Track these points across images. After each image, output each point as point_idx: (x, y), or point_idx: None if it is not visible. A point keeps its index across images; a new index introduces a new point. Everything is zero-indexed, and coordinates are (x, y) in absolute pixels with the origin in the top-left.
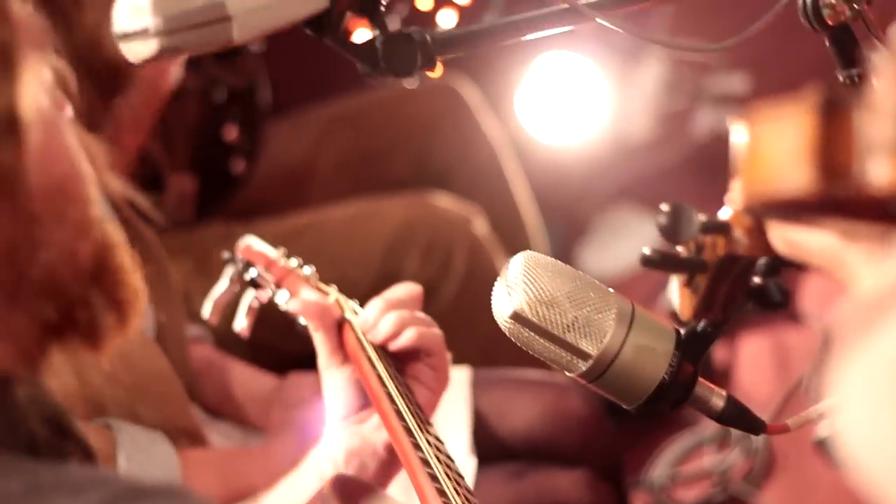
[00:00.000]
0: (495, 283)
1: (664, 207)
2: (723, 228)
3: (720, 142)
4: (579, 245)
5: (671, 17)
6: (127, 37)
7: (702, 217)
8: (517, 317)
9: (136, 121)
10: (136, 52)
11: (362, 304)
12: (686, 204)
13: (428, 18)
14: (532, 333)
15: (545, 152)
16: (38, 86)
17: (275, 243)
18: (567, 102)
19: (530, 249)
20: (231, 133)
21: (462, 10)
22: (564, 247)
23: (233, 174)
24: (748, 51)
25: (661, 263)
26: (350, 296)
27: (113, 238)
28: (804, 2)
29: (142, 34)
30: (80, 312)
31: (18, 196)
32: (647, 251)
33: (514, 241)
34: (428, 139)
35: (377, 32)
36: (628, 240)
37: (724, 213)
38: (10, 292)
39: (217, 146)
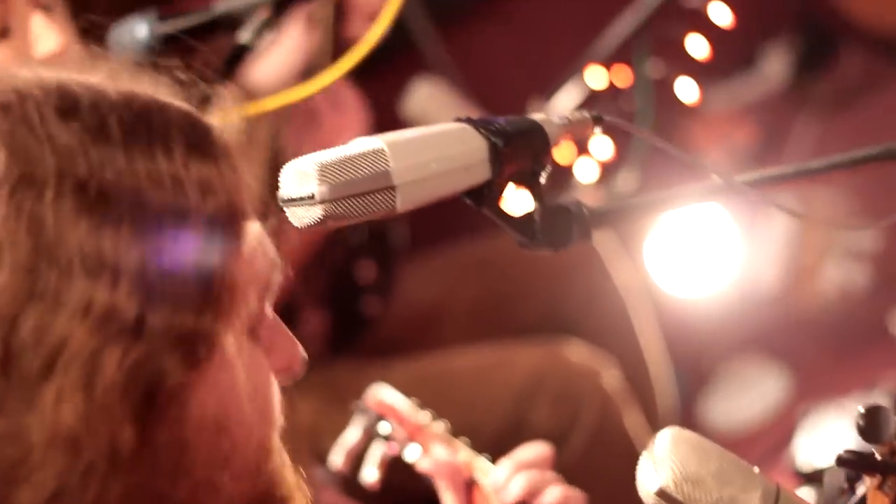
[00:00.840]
0: (640, 455)
1: (861, 409)
2: None
3: (848, 298)
4: (704, 395)
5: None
6: (292, 202)
7: None
8: (662, 493)
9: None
10: (300, 217)
11: (491, 453)
12: (883, 405)
13: (566, 172)
14: None
15: (673, 301)
16: (243, 323)
17: (405, 388)
18: (696, 252)
19: (657, 398)
20: (366, 272)
21: (603, 166)
22: (690, 396)
23: (366, 313)
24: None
25: (857, 464)
26: (477, 443)
27: (284, 486)
28: None
29: (307, 200)
30: None
31: (176, 421)
32: (843, 452)
33: (641, 390)
34: (559, 286)
35: (536, 205)
36: (753, 392)
37: None
38: None
39: (351, 284)
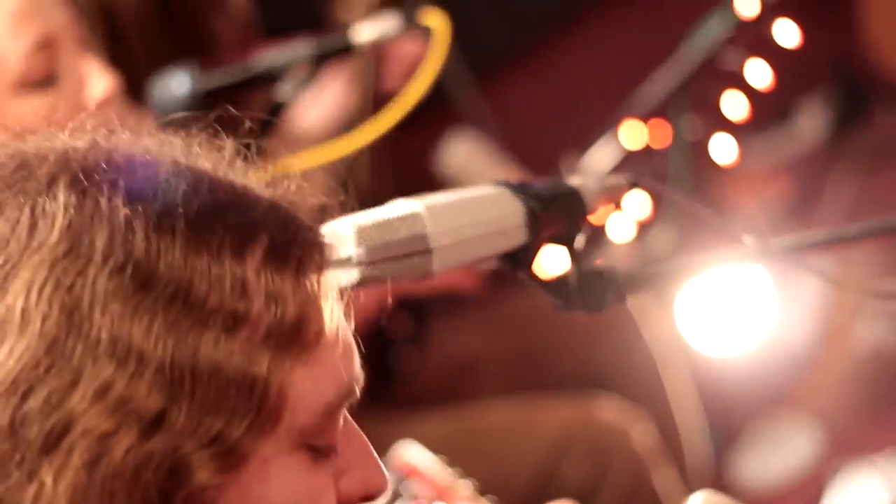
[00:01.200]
0: None
1: None
2: None
3: (880, 357)
4: (736, 452)
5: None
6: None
7: None
8: None
9: None
10: (336, 279)
11: None
12: None
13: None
14: None
15: (705, 359)
16: (293, 436)
17: (436, 441)
18: (729, 309)
19: (688, 455)
20: (401, 324)
21: (641, 225)
22: (721, 454)
23: (400, 365)
24: None
25: None
26: (506, 499)
27: None
28: None
29: (344, 263)
30: None
31: None
32: None
33: (672, 447)
34: (592, 342)
35: (571, 268)
36: (785, 450)
37: None
38: None
39: (386, 337)
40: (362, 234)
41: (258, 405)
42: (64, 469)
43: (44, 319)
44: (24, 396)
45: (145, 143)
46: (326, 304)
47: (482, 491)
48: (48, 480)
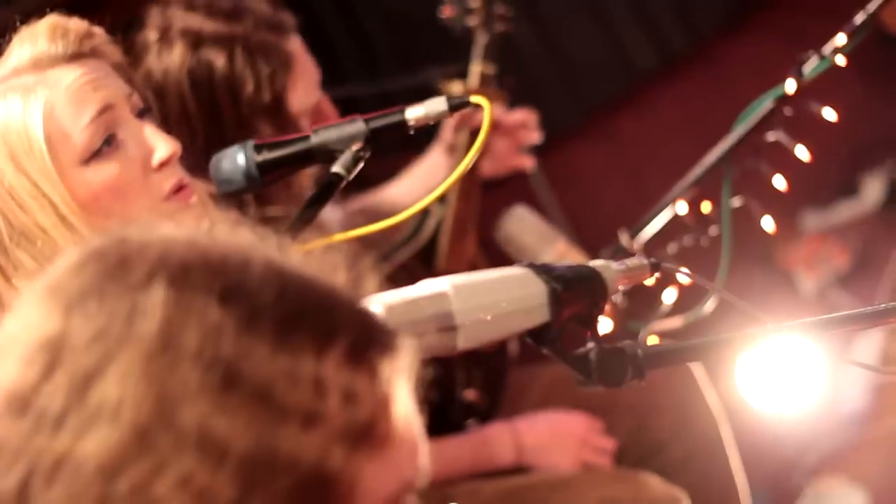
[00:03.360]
0: None
1: None
2: None
3: None
4: None
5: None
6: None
7: None
8: None
9: None
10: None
11: None
12: None
13: (652, 296)
14: None
15: (758, 419)
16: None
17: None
18: (783, 370)
19: None
20: (470, 393)
21: (682, 289)
22: None
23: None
24: None
25: None
26: None
27: None
28: None
29: None
30: None
31: None
32: None
33: None
34: (648, 409)
35: (593, 345)
36: None
37: None
38: None
39: (455, 405)
40: (391, 311)
41: (328, 499)
42: None
43: (136, 409)
44: (112, 481)
45: (241, 239)
46: (397, 400)
47: None
48: None
